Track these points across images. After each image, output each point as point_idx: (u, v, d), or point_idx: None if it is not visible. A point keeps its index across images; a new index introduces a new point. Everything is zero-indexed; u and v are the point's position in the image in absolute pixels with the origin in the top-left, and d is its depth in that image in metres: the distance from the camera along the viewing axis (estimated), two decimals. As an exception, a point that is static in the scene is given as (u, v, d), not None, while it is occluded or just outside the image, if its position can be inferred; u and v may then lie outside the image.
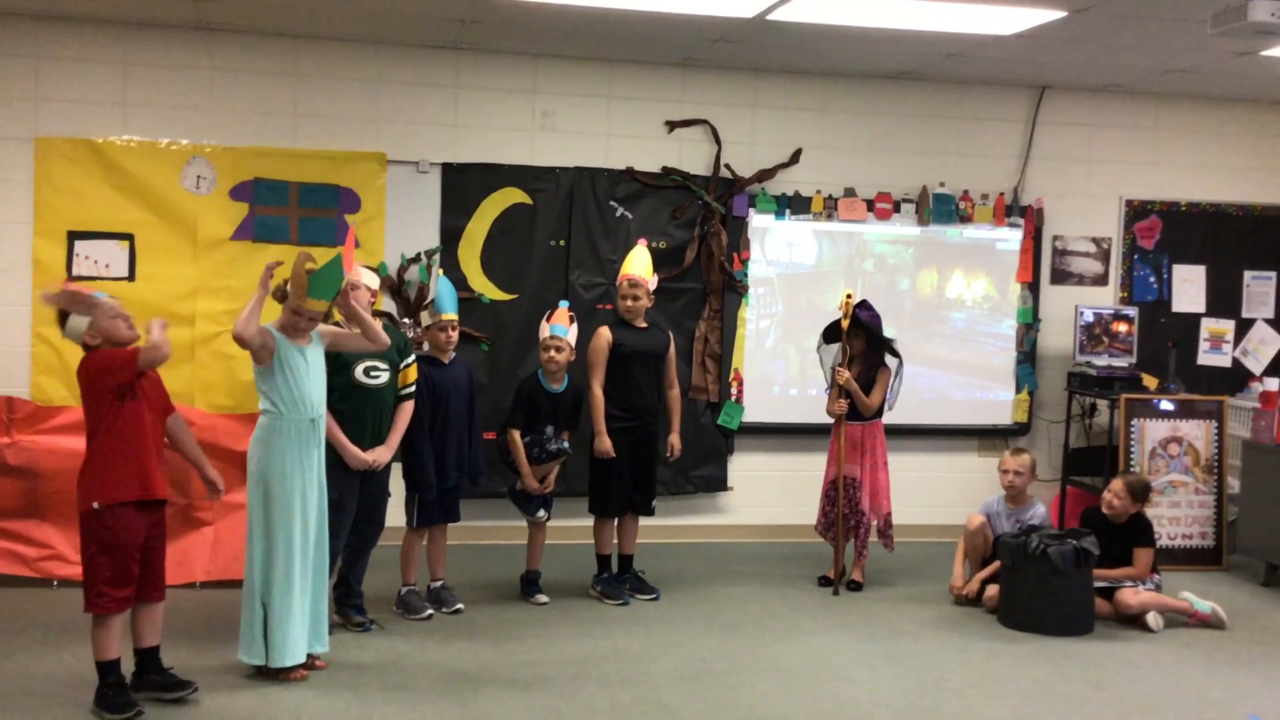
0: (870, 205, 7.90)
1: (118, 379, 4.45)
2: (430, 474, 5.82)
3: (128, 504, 4.46)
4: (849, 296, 6.58)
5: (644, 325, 6.35)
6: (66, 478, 5.85)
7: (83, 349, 4.54)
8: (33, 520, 6.19)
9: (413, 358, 5.76)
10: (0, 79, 6.80)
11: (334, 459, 5.29)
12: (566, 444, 6.14)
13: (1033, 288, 8.14)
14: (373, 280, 5.72)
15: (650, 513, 6.46)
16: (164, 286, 6.86)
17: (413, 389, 5.72)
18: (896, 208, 7.94)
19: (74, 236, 6.87)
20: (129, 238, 6.91)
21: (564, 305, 6.31)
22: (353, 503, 5.47)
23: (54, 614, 5.72)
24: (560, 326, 6.15)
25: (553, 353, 6.10)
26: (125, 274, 6.83)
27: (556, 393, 6.18)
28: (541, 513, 6.24)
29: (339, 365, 5.31)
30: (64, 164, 6.84)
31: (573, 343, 6.18)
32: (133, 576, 4.47)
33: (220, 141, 7.03)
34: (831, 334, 6.73)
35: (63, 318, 4.51)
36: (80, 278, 6.80)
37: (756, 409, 7.82)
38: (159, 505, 4.65)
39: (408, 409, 5.70)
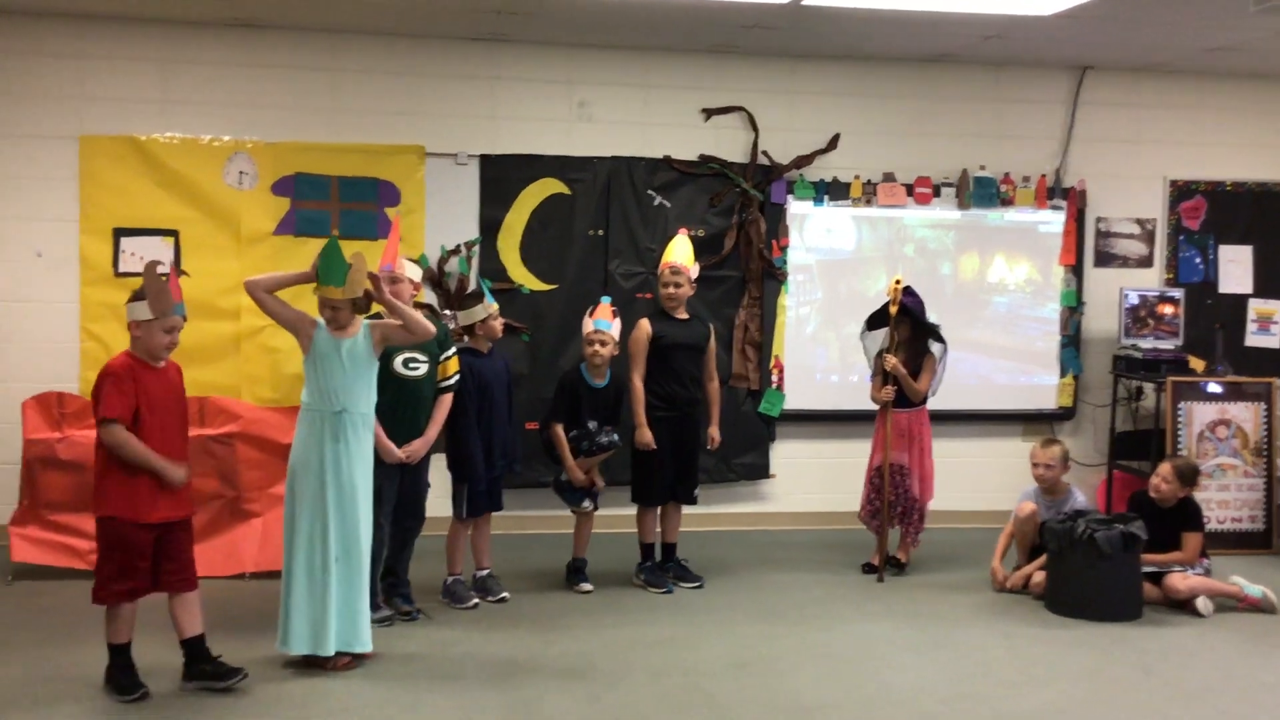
0: (910, 190, 7.85)
1: (109, 399, 4.48)
2: (480, 465, 5.85)
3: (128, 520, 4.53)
4: (898, 282, 6.52)
5: (685, 316, 6.34)
6: (96, 469, 5.97)
7: (128, 330, 4.61)
8: (85, 514, 6.22)
9: (454, 350, 5.78)
10: (45, 78, 6.90)
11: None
12: (616, 437, 6.16)
13: (1076, 270, 8.06)
14: (415, 272, 5.76)
15: (693, 501, 6.47)
16: (209, 281, 6.94)
17: (453, 381, 5.74)
18: (936, 192, 7.89)
19: (120, 233, 6.97)
20: (174, 234, 7.01)
21: (606, 300, 6.31)
22: (391, 493, 5.49)
23: (107, 606, 5.81)
24: (604, 321, 6.15)
25: (597, 347, 6.11)
26: (174, 270, 6.87)
27: (599, 387, 6.19)
28: (587, 503, 6.27)
29: (380, 357, 5.34)
30: (108, 162, 6.93)
31: (616, 337, 6.19)
32: (137, 572, 4.54)
33: (261, 137, 7.10)
34: (875, 321, 6.69)
35: (135, 295, 4.57)
36: (127, 274, 6.90)
37: (797, 396, 7.81)
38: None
39: (447, 401, 5.73)
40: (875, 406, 6.72)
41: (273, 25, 7.07)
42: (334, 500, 4.91)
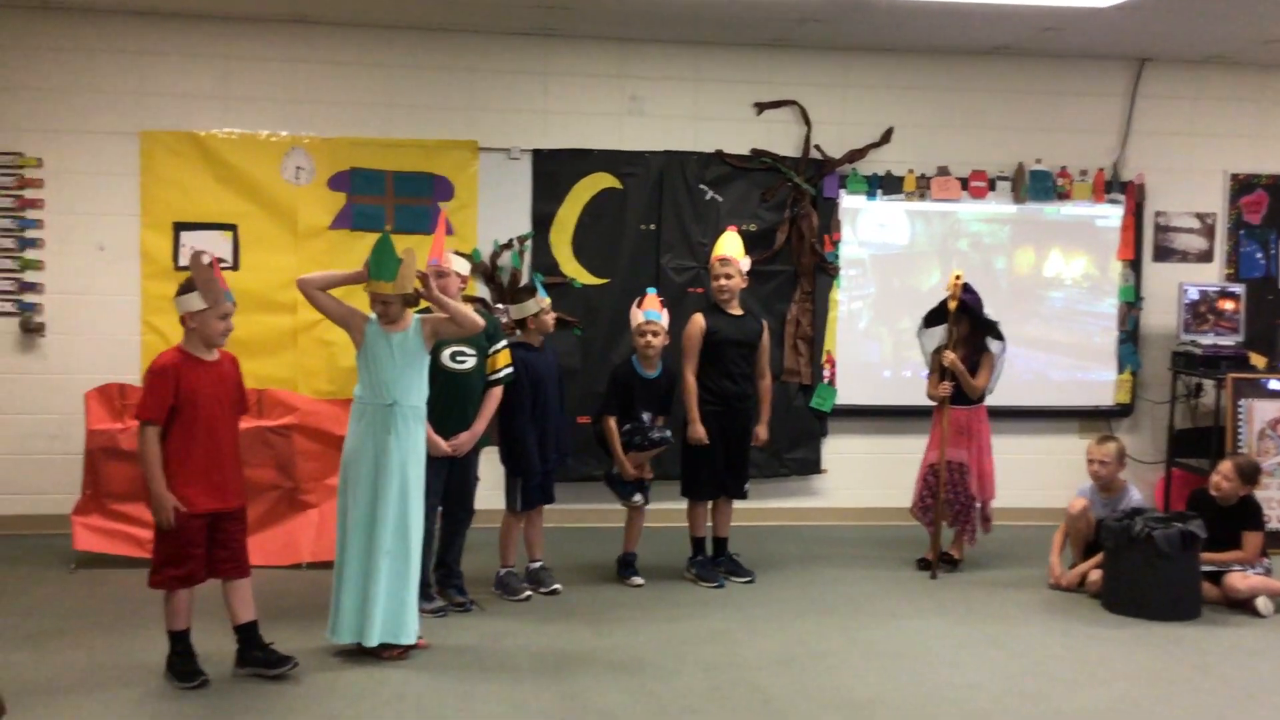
0: (964, 184, 7.79)
1: (146, 399, 4.57)
2: (534, 458, 5.89)
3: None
4: (958, 277, 6.47)
5: (738, 312, 6.33)
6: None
7: (180, 323, 4.67)
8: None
9: (503, 343, 5.80)
10: (106, 75, 7.02)
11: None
12: (668, 433, 6.17)
13: (1134, 265, 7.96)
14: (463, 266, 5.79)
15: (743, 496, 6.47)
16: (266, 276, 7.03)
17: (502, 374, 5.76)
18: (992, 186, 7.82)
19: (179, 227, 7.08)
20: (232, 228, 7.10)
21: (653, 291, 6.32)
22: (439, 486, 5.52)
23: (167, 594, 5.91)
24: (654, 311, 6.17)
25: (649, 338, 6.12)
26: (230, 264, 7.00)
27: (651, 378, 6.20)
28: (638, 497, 6.28)
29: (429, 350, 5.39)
30: (168, 157, 7.04)
31: (666, 326, 6.20)
32: (190, 558, 4.61)
33: (318, 133, 7.18)
34: (933, 318, 6.63)
35: (184, 288, 4.63)
36: (187, 268, 6.98)
37: (849, 391, 7.77)
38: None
39: (496, 394, 5.75)
40: (929, 402, 6.67)
41: (329, 21, 7.14)
42: (385, 493, 4.96)
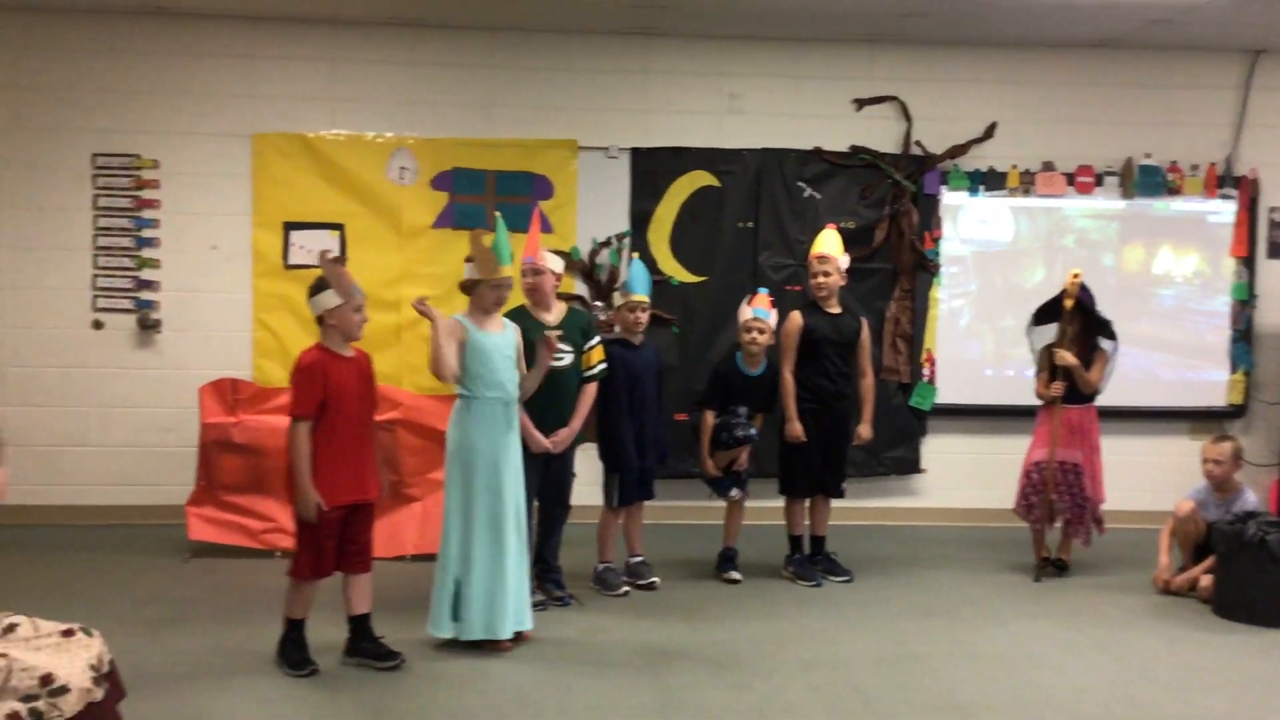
0: (1070, 179, 7.65)
1: (297, 397, 4.64)
2: (631, 455, 5.93)
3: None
4: (1075, 276, 6.33)
5: (837, 310, 6.30)
6: (287, 454, 6.23)
7: (316, 323, 4.77)
8: (256, 495, 6.59)
9: (597, 340, 5.84)
10: (219, 79, 7.24)
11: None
12: (754, 431, 6.17)
13: (1248, 262, 7.74)
14: (556, 264, 5.84)
15: (840, 495, 6.43)
16: (372, 274, 7.16)
17: (597, 371, 5.80)
18: (1099, 181, 7.66)
19: (289, 227, 7.26)
20: (339, 227, 7.27)
21: (764, 291, 6.31)
22: (535, 481, 5.56)
23: (278, 583, 5.98)
24: (762, 310, 6.16)
25: (755, 334, 6.12)
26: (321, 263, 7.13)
27: (754, 375, 6.20)
28: (735, 492, 6.29)
29: (525, 347, 5.45)
30: (279, 158, 7.23)
31: (773, 326, 6.19)
32: (327, 552, 4.73)
33: (422, 133, 7.31)
34: (1043, 315, 6.51)
35: (316, 287, 4.72)
36: (296, 266, 7.20)
37: (950, 390, 7.69)
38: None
39: (591, 391, 5.80)
40: (1032, 401, 6.56)
41: (432, 24, 7.27)
42: (507, 488, 5.08)
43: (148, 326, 7.25)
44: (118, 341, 7.27)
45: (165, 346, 7.29)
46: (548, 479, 5.69)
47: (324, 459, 4.65)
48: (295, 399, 4.64)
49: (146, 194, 7.25)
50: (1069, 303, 6.31)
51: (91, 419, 7.28)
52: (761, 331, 6.13)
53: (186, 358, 7.27)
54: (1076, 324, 6.39)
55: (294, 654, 4.78)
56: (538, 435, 5.55)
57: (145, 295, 7.28)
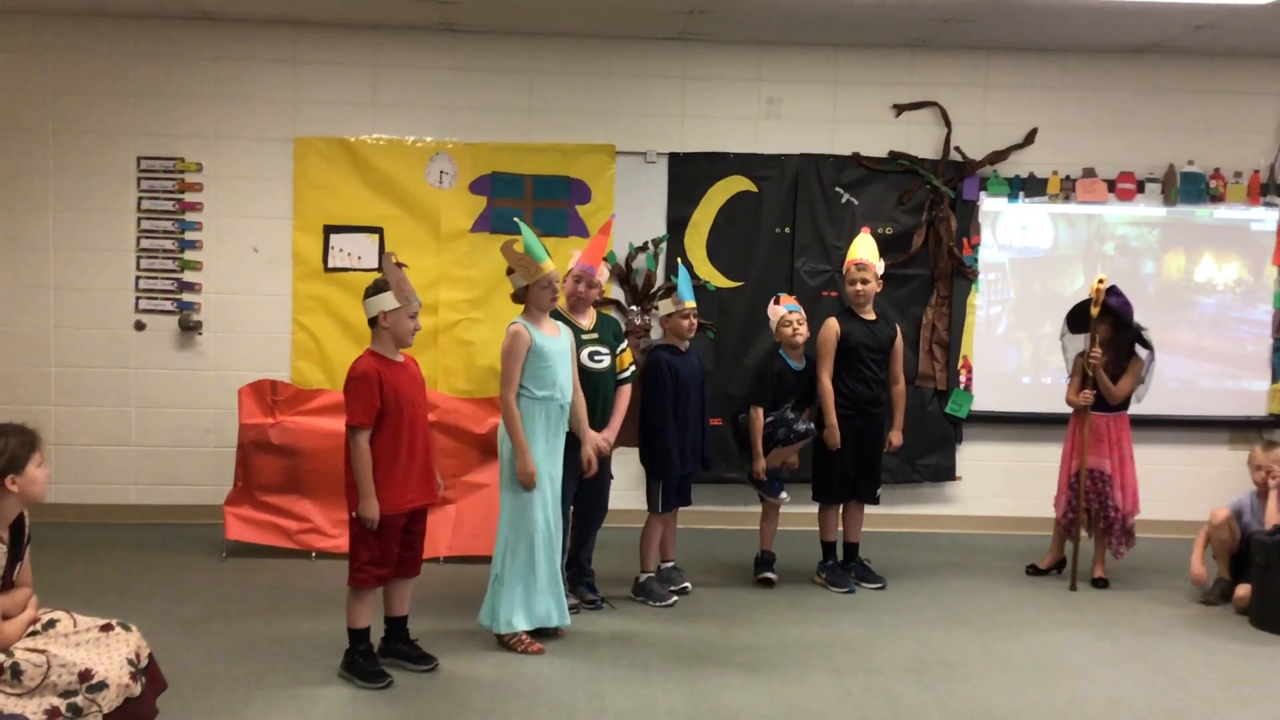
0: (1111, 186, 7.58)
1: (354, 406, 4.63)
2: (676, 461, 5.91)
3: None
4: (1101, 282, 6.30)
5: (872, 316, 6.28)
6: (325, 456, 6.33)
7: (369, 325, 4.76)
8: (293, 495, 6.65)
9: (625, 343, 5.87)
10: (263, 83, 7.32)
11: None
12: (812, 424, 6.16)
13: (1291, 271, 7.65)
14: (604, 277, 5.87)
15: (875, 501, 6.41)
16: (410, 277, 7.18)
17: (629, 373, 5.82)
18: (1140, 188, 7.60)
19: (329, 230, 7.33)
20: (378, 231, 7.33)
21: (784, 294, 6.33)
22: (574, 484, 5.59)
23: (313, 583, 6.14)
24: (792, 304, 6.22)
25: (795, 325, 6.14)
26: (375, 265, 7.20)
27: (800, 370, 6.21)
28: (785, 495, 6.28)
29: None
30: (320, 162, 7.30)
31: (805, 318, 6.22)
32: (393, 557, 4.74)
33: (461, 138, 7.36)
34: (1075, 322, 6.47)
35: (375, 288, 4.71)
36: (335, 269, 7.27)
37: (986, 397, 7.64)
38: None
39: (626, 393, 5.82)
40: (1067, 410, 6.52)
41: (473, 29, 7.32)
42: (557, 488, 5.21)
43: (189, 328, 7.34)
44: (159, 342, 7.37)
45: (206, 348, 7.38)
46: (586, 481, 5.68)
47: (389, 465, 4.63)
48: (353, 408, 4.60)
49: (189, 197, 7.34)
50: (1095, 310, 6.27)
51: (133, 419, 7.37)
52: (800, 322, 6.16)
53: (226, 359, 7.35)
54: (1107, 329, 6.34)
55: (366, 666, 4.74)
56: (595, 436, 5.58)
57: (187, 297, 7.36)
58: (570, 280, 5.60)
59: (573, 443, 5.45)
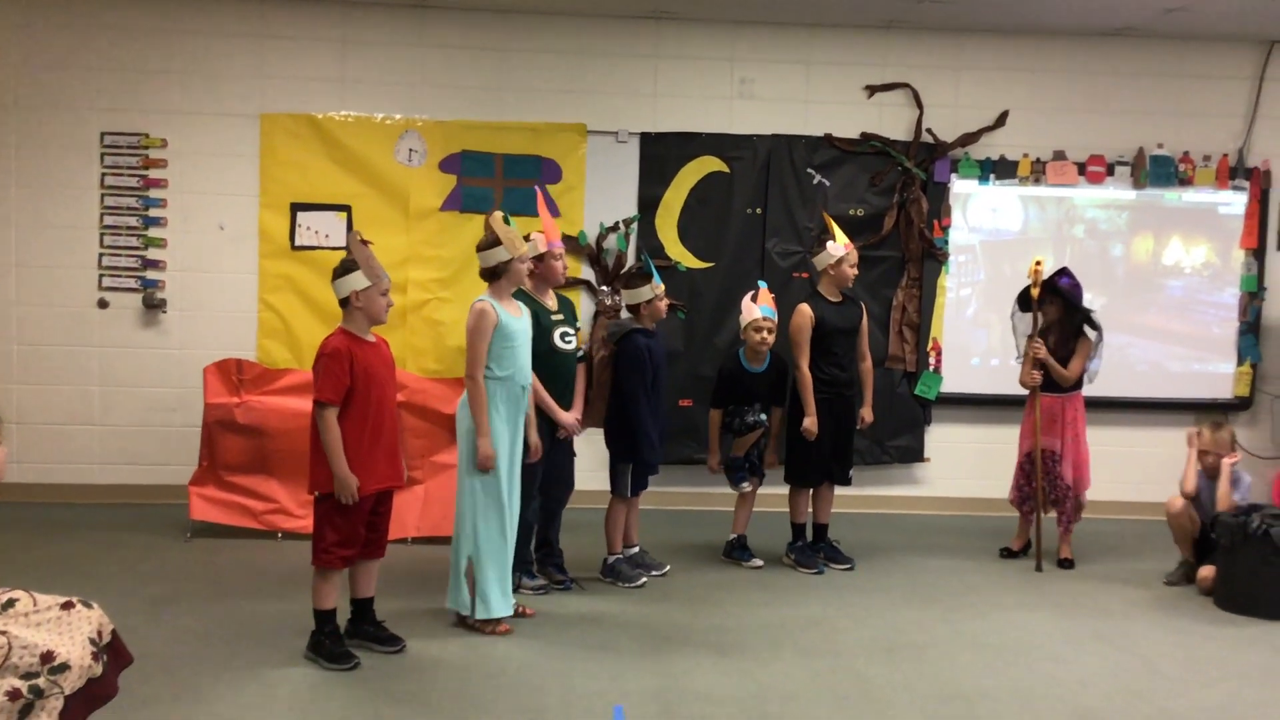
0: (1082, 168, 7.60)
1: (323, 382, 4.58)
2: (653, 444, 5.88)
3: None
4: (1039, 264, 6.34)
5: (839, 298, 6.28)
6: (291, 436, 6.28)
7: (340, 305, 4.71)
8: (259, 476, 6.59)
9: (579, 324, 5.87)
10: (228, 58, 7.22)
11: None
12: (763, 416, 6.16)
13: (1258, 254, 7.69)
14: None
15: (847, 482, 6.43)
16: (378, 255, 7.09)
17: (583, 353, 5.84)
18: (1110, 171, 7.62)
19: (296, 208, 7.25)
20: (347, 209, 7.25)
21: (764, 285, 6.29)
22: (540, 465, 5.56)
23: (278, 564, 6.09)
24: (768, 308, 6.13)
25: (765, 334, 6.08)
26: (343, 244, 7.13)
27: (759, 372, 6.18)
28: (746, 485, 6.28)
29: (540, 331, 5.45)
30: (287, 139, 7.21)
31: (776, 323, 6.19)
32: (359, 538, 4.71)
33: (430, 115, 7.29)
34: (1026, 301, 6.51)
35: (343, 269, 4.66)
36: (303, 248, 7.20)
37: (955, 379, 7.66)
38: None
39: (583, 372, 5.83)
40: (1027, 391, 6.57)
41: (443, 5, 7.24)
42: (516, 469, 5.16)
43: (153, 306, 7.24)
44: (123, 320, 7.27)
45: (170, 326, 7.29)
46: (552, 460, 5.67)
47: (355, 445, 4.59)
48: (322, 384, 4.56)
49: (154, 173, 7.24)
50: (1034, 292, 6.30)
51: (96, 398, 7.28)
52: (770, 331, 6.10)
53: (191, 338, 7.27)
54: (1056, 310, 6.38)
55: (332, 647, 4.70)
56: (565, 415, 5.57)
57: (151, 275, 7.27)
58: (550, 260, 5.56)
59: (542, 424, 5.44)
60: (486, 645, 4.97)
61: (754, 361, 6.19)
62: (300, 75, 7.25)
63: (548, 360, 5.49)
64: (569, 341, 5.63)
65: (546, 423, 5.53)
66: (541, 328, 5.46)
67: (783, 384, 6.26)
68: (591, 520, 6.22)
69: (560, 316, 5.61)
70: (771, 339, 6.11)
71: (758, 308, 6.12)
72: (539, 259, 5.52)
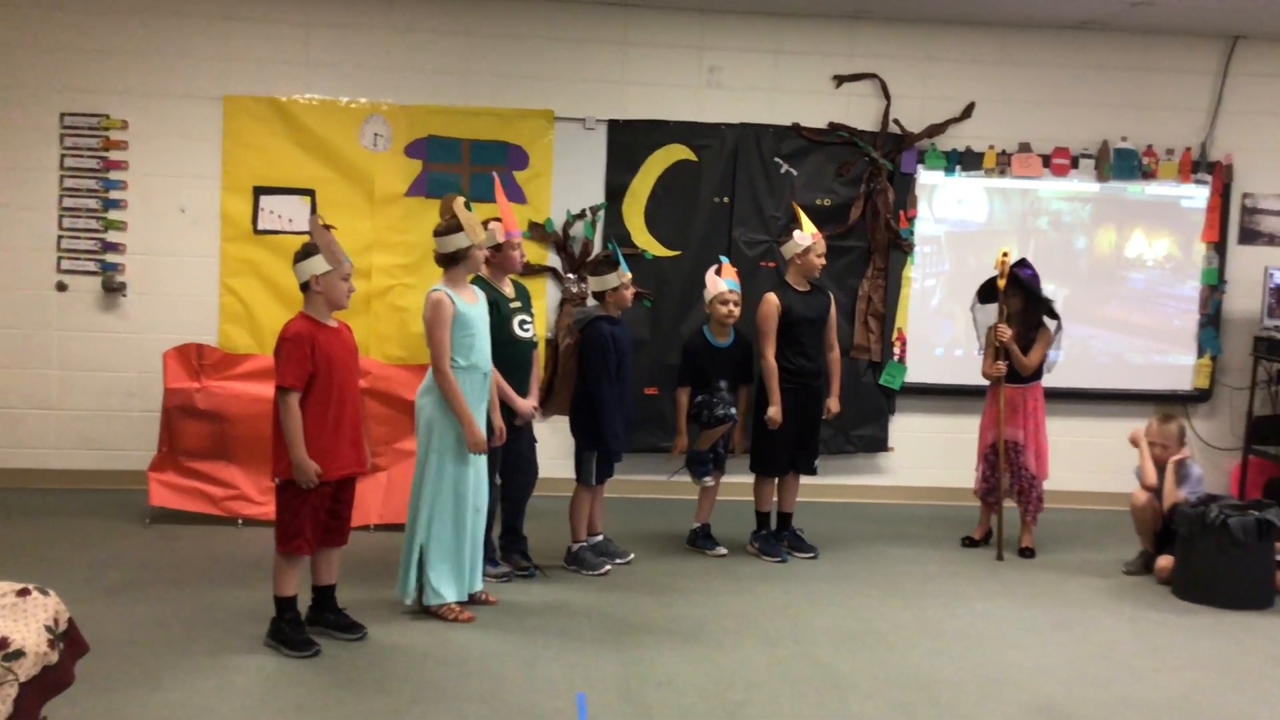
0: (1046, 161, 7.64)
1: (284, 367, 4.52)
2: (617, 431, 5.86)
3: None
4: (1005, 254, 6.38)
5: (806, 287, 6.29)
6: (253, 422, 6.22)
7: (301, 290, 4.66)
8: (220, 461, 6.53)
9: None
10: (191, 39, 7.12)
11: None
12: (733, 410, 6.15)
13: (1219, 248, 7.76)
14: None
15: (813, 472, 6.44)
16: (342, 241, 6.90)
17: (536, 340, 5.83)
18: (1074, 163, 7.66)
19: (259, 191, 7.17)
20: (310, 193, 7.18)
21: (726, 260, 6.28)
22: (499, 451, 5.53)
23: (239, 551, 6.04)
24: (733, 281, 6.14)
25: (731, 307, 6.09)
26: (307, 229, 7.04)
27: (724, 347, 6.18)
28: (709, 480, 6.28)
29: (499, 319, 5.43)
30: (250, 121, 7.13)
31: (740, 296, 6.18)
32: (321, 525, 4.67)
33: (396, 100, 7.22)
34: (987, 293, 6.55)
35: (304, 253, 4.61)
36: (265, 231, 7.12)
37: (919, 369, 7.70)
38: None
39: (539, 358, 5.83)
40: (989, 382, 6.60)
41: (409, -11, 7.18)
42: (481, 460, 5.13)
43: (113, 289, 7.15)
44: (82, 304, 7.17)
45: (130, 310, 7.20)
46: (514, 448, 5.65)
47: (317, 431, 4.55)
48: (284, 369, 4.50)
49: (114, 155, 7.13)
50: (1001, 283, 6.34)
51: (54, 382, 7.18)
52: (736, 304, 6.10)
53: (151, 322, 7.18)
54: (1018, 301, 6.42)
55: (293, 634, 4.66)
56: (523, 402, 5.55)
57: (111, 258, 7.17)
58: (508, 250, 5.54)
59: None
60: (448, 633, 4.95)
61: (720, 336, 6.18)
62: (264, 57, 7.17)
63: (508, 349, 5.46)
64: (527, 329, 5.62)
65: (506, 410, 5.50)
66: (501, 315, 5.44)
67: (749, 361, 6.26)
68: (556, 508, 6.21)
69: (518, 304, 5.60)
70: (738, 311, 6.11)
71: (722, 281, 6.12)
72: (496, 248, 5.49)
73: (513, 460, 5.65)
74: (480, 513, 5.19)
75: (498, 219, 5.58)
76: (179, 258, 7.19)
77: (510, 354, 5.50)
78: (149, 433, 6.79)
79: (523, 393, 5.61)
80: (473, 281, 5.25)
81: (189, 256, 7.18)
